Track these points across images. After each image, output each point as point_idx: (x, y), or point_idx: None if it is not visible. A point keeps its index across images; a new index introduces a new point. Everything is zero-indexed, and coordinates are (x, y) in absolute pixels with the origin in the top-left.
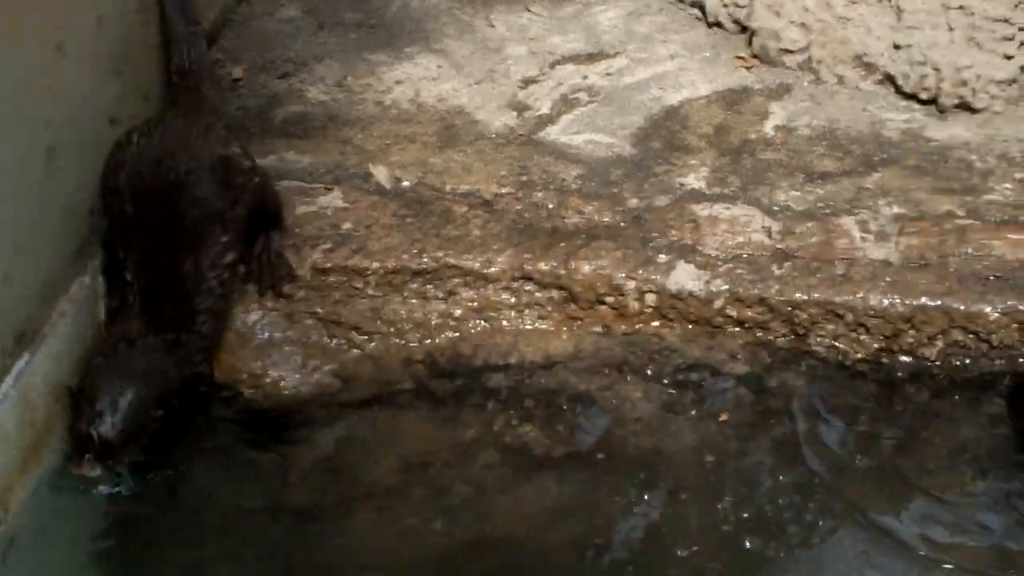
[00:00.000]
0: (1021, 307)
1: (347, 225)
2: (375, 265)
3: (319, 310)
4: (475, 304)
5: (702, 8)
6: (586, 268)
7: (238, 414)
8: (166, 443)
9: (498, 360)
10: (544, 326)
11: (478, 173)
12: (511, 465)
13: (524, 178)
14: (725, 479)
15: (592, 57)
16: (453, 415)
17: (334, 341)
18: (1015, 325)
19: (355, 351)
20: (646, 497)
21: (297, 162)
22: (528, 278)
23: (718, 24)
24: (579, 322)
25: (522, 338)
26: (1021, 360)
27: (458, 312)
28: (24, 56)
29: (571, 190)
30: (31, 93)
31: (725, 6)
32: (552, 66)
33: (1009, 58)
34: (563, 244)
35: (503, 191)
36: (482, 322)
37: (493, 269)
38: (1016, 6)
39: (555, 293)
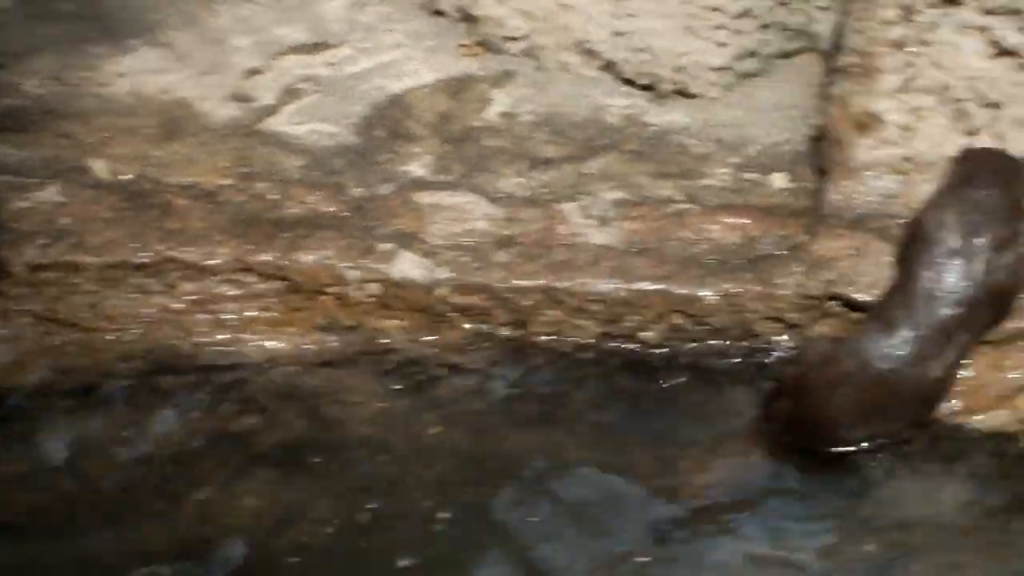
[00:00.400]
0: (737, 290)
1: (64, 220)
2: (93, 260)
3: (35, 307)
4: (196, 297)
5: None
6: (309, 258)
7: None
8: None
9: (221, 353)
10: (267, 317)
11: (201, 165)
12: (236, 462)
13: (247, 169)
14: (447, 473)
15: (316, 47)
16: (175, 411)
17: (51, 338)
18: (732, 307)
19: (73, 347)
20: (369, 493)
21: (11, 156)
22: (250, 269)
23: (441, 12)
24: (302, 313)
25: (245, 330)
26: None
27: (179, 306)
28: None
29: (294, 180)
30: None
31: None
32: (276, 57)
33: (723, 45)
34: (286, 235)
35: (225, 182)
36: (204, 315)
37: (214, 261)
38: None
39: (278, 284)
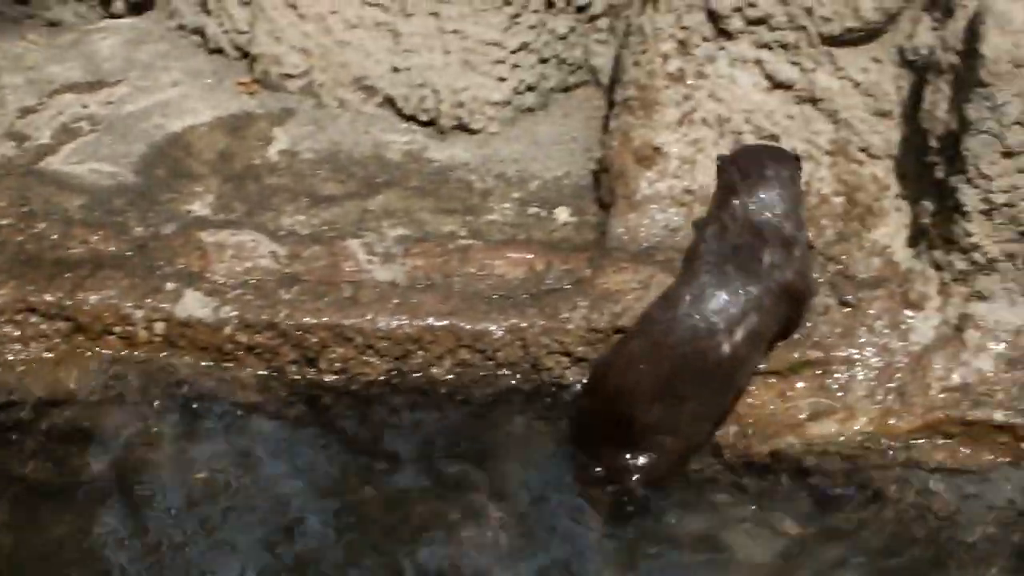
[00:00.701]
0: (523, 324)
1: None
2: None
3: None
4: None
5: (203, 35)
6: (92, 298)
7: None
8: None
9: (3, 395)
10: (53, 357)
11: None
12: (19, 505)
13: (25, 209)
14: (244, 507)
15: (92, 86)
16: None
17: None
18: (518, 342)
19: None
20: (159, 529)
21: None
22: (33, 310)
23: (220, 50)
24: (88, 353)
25: (29, 372)
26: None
27: None
28: None
29: (75, 220)
30: None
31: (226, 32)
32: (51, 95)
33: (503, 80)
34: (68, 275)
35: (4, 222)
36: None
37: None
38: (506, 30)
39: (61, 324)
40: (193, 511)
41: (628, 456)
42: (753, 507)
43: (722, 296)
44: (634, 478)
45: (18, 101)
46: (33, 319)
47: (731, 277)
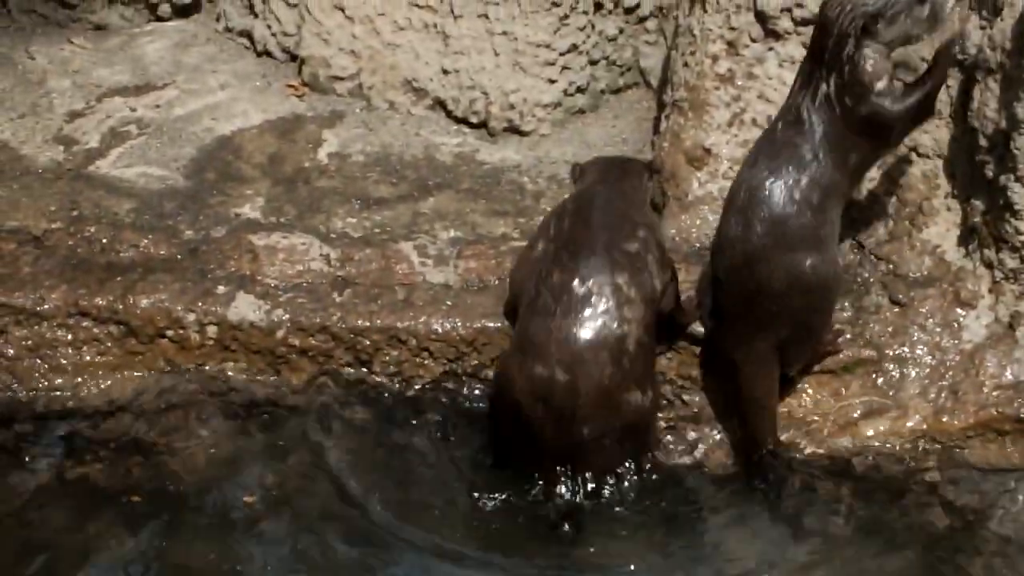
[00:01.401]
0: None
1: None
2: None
3: None
4: (29, 343)
5: (250, 37)
6: (144, 302)
7: None
8: None
9: (58, 400)
10: (105, 361)
11: (26, 209)
12: (74, 511)
13: (75, 213)
14: (300, 511)
15: (140, 89)
16: (13, 461)
17: None
18: None
19: None
20: (213, 535)
21: None
22: (85, 314)
23: (267, 53)
24: (141, 357)
25: (82, 376)
26: None
27: (11, 352)
28: None
29: (125, 224)
30: None
31: (274, 35)
32: (99, 99)
33: (553, 82)
34: (119, 278)
35: (54, 227)
36: (38, 360)
37: (47, 306)
38: (555, 32)
39: (114, 328)
40: (248, 517)
41: None
42: (805, 506)
43: None
44: None
45: (66, 105)
46: (85, 323)
47: None
